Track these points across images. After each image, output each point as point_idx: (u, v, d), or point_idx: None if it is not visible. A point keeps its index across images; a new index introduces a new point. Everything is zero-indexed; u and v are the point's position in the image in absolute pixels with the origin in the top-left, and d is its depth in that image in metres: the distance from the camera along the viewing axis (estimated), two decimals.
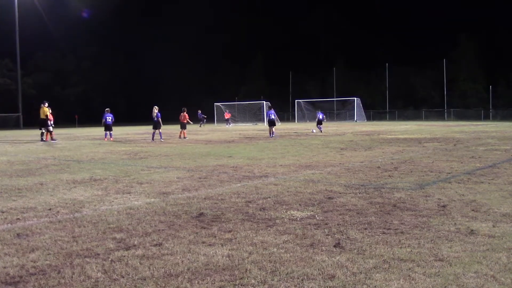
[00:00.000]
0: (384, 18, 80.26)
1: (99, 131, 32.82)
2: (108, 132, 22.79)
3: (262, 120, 47.07)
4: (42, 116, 22.60)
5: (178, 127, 24.69)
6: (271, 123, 23.85)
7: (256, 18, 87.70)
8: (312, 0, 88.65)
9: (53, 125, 23.39)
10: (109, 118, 22.98)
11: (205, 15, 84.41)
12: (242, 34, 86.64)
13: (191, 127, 39.57)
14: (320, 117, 29.48)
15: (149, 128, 36.60)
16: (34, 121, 57.34)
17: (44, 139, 22.26)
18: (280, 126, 41.73)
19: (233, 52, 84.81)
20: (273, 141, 19.79)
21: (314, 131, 28.75)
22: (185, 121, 23.72)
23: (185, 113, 23.96)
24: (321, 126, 28.69)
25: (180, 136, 23.38)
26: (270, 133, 23.35)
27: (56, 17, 67.14)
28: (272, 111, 24.34)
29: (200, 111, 45.50)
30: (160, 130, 21.57)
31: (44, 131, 22.58)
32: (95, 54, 76.82)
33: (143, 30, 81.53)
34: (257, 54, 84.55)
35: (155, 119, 21.39)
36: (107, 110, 23.50)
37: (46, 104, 22.99)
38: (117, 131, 24.86)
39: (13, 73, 60.50)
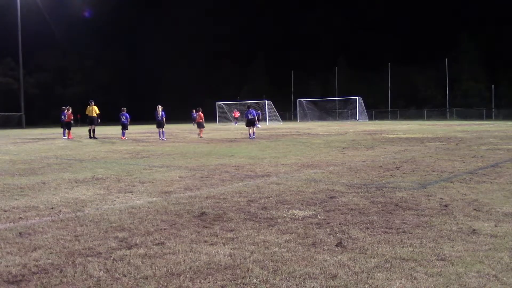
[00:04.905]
0: (386, 17, 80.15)
1: (101, 130, 32.87)
2: (122, 131, 23.20)
3: (264, 119, 47.05)
4: (92, 114, 23.73)
5: (180, 126, 24.76)
6: (250, 123, 22.14)
7: (257, 17, 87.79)
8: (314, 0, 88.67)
9: (73, 124, 25.26)
10: (123, 118, 23.29)
11: (207, 14, 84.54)
12: (244, 33, 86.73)
13: (187, 127, 39.59)
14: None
15: (150, 128, 36.67)
16: (37, 120, 57.58)
17: (93, 136, 23.30)
18: (282, 126, 41.69)
19: (234, 51, 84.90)
20: (258, 142, 19.76)
21: (259, 126, 32.84)
22: (201, 120, 23.74)
23: (200, 112, 23.97)
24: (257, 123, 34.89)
25: (200, 135, 23.28)
26: (249, 135, 21.77)
27: (58, 16, 67.24)
28: (251, 111, 22.75)
29: (194, 111, 45.49)
30: (163, 130, 21.66)
31: (93, 128, 23.73)
32: (97, 53, 76.92)
33: (145, 29, 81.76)
34: (258, 53, 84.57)
35: (160, 118, 21.52)
36: (122, 110, 23.86)
37: (93, 103, 24.10)
38: (119, 130, 24.94)
39: (15, 72, 60.65)
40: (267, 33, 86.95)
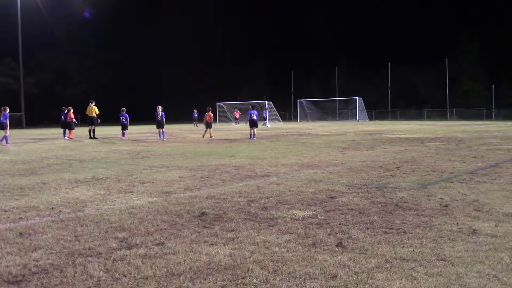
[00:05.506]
0: (386, 17, 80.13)
1: (101, 130, 32.86)
2: (122, 131, 23.17)
3: (264, 119, 47.03)
4: (92, 114, 23.78)
5: (180, 126, 24.78)
6: (252, 124, 21.55)
7: (257, 17, 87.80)
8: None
9: (76, 123, 25.30)
10: (123, 118, 23.25)
11: (207, 14, 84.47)
12: (244, 33, 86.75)
13: (187, 127, 39.57)
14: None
15: (150, 128, 36.68)
16: (37, 120, 57.54)
17: (93, 136, 23.32)
18: (282, 126, 41.68)
19: (234, 52, 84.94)
20: (258, 142, 19.75)
21: (269, 125, 32.06)
22: (210, 121, 23.65)
23: (210, 112, 23.94)
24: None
25: (204, 135, 23.24)
26: (250, 135, 21.32)
27: (58, 16, 67.21)
28: (254, 111, 22.05)
29: (195, 111, 45.40)
30: (163, 130, 21.68)
31: (93, 128, 23.78)
32: (97, 54, 76.88)
33: (145, 29, 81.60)
34: (258, 53, 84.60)
35: (159, 118, 21.54)
36: (122, 110, 23.82)
37: (94, 103, 24.17)
38: (119, 130, 24.94)
39: (15, 72, 60.61)
40: (267, 33, 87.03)
